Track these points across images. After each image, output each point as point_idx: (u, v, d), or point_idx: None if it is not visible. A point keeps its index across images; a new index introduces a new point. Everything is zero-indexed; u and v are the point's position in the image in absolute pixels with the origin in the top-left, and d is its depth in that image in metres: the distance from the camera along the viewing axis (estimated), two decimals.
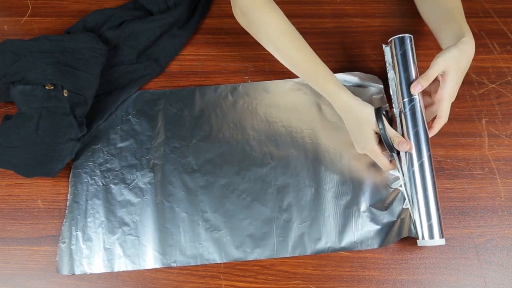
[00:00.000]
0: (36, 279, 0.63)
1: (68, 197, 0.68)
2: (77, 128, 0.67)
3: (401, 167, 0.67)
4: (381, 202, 0.68)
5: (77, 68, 0.70)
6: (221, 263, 0.64)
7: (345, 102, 0.67)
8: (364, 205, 0.68)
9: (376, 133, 0.66)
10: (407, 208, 0.66)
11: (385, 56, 0.70)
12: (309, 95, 0.77)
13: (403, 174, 0.67)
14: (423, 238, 0.62)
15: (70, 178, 0.70)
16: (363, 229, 0.66)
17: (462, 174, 0.71)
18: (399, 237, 0.63)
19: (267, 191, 0.69)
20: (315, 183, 0.69)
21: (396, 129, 0.66)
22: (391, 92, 0.69)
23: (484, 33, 0.84)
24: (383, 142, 0.65)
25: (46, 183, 0.70)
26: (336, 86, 0.67)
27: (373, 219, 0.66)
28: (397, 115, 0.67)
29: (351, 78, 0.78)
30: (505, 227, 0.67)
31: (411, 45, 0.68)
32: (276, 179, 0.70)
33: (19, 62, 0.69)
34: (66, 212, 0.67)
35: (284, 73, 0.72)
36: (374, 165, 0.70)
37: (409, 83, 0.66)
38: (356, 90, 0.77)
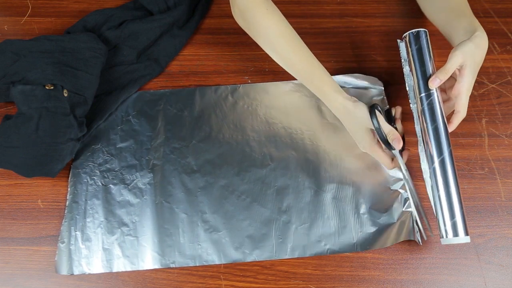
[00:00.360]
0: (36, 279, 0.63)
1: (68, 197, 0.68)
2: (77, 128, 0.67)
3: (402, 164, 0.67)
4: (381, 204, 0.68)
5: (77, 68, 0.70)
6: (221, 264, 0.64)
7: (340, 103, 0.66)
8: (363, 207, 0.67)
9: (373, 130, 0.66)
10: (408, 211, 0.66)
11: (400, 52, 0.69)
12: (309, 96, 0.77)
13: (404, 173, 0.67)
14: (446, 236, 0.60)
15: (69, 178, 0.70)
16: (363, 231, 0.66)
17: (462, 174, 0.71)
18: (397, 240, 0.63)
19: (266, 192, 0.69)
20: (315, 184, 0.69)
21: (396, 128, 0.66)
22: (407, 88, 0.67)
23: None
24: (380, 139, 0.65)
25: (46, 183, 0.70)
26: (332, 88, 0.67)
27: (373, 221, 0.66)
28: (414, 111, 0.66)
29: (352, 80, 0.78)
30: (505, 227, 0.67)
31: (427, 39, 0.66)
32: (276, 180, 0.70)
33: (19, 62, 0.69)
34: (65, 212, 0.67)
35: (284, 73, 0.72)
36: (374, 167, 0.70)
37: (426, 78, 0.64)
38: (357, 92, 0.77)
